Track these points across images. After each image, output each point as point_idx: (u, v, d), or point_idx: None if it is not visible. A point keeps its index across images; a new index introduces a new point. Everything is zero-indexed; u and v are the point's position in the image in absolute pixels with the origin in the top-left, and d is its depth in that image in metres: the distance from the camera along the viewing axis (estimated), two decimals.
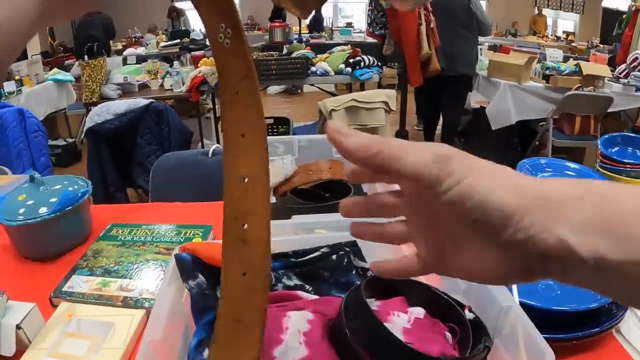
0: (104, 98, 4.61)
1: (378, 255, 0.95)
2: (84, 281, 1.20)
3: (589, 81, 5.09)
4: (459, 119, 5.88)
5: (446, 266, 0.51)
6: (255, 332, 0.58)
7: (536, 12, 17.07)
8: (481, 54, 5.88)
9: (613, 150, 1.82)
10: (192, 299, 0.80)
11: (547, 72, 5.33)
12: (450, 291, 0.90)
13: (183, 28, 11.59)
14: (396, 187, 0.53)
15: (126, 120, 3.60)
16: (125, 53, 8.47)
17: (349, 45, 5.60)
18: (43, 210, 1.31)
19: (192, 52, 7.21)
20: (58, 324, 1.03)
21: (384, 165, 0.47)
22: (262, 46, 8.64)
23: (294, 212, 1.08)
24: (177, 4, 13.52)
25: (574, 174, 1.71)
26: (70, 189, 1.39)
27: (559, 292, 1.17)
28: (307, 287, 0.88)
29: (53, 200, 1.34)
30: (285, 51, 5.48)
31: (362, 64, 5.01)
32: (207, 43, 9.21)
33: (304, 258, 0.89)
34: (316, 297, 0.85)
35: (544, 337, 0.92)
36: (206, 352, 0.75)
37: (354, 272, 0.90)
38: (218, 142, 4.99)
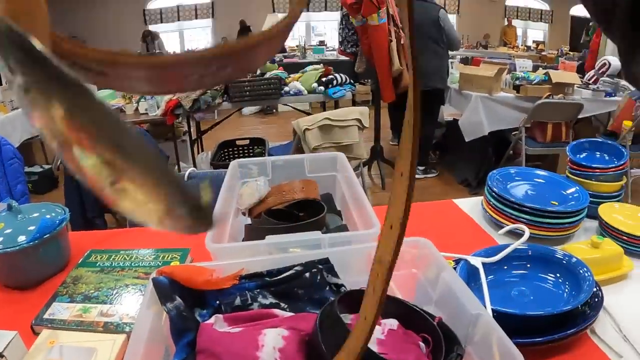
0: None
1: (351, 271, 0.99)
2: (65, 308, 1.22)
3: (559, 89, 5.18)
4: (433, 132, 5.94)
5: None
6: None
7: (506, 23, 17.26)
8: (452, 67, 5.96)
9: (581, 156, 1.86)
10: (170, 321, 0.83)
11: (517, 82, 5.41)
12: (423, 303, 0.94)
13: (157, 51, 11.60)
14: None
15: None
16: None
17: (322, 64, 5.64)
18: (22, 238, 1.32)
19: None
20: (40, 352, 1.04)
21: None
22: None
23: (268, 233, 1.10)
24: (151, 27, 13.56)
25: (543, 180, 1.77)
26: (48, 216, 1.41)
27: (532, 297, 1.21)
28: (283, 305, 0.90)
29: (31, 228, 1.35)
30: (258, 72, 5.51)
31: (335, 82, 5.05)
32: None
33: (278, 277, 0.91)
34: (291, 314, 0.88)
35: (521, 342, 0.96)
36: None
37: (327, 288, 0.93)
38: (194, 165, 5.00)
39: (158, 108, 4.81)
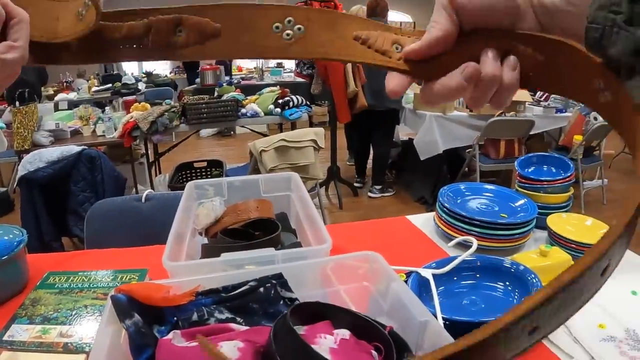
0: (36, 145, 4.55)
1: (305, 285, 1.02)
2: (24, 329, 1.22)
3: (511, 107, 5.31)
4: (389, 152, 6.02)
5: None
6: None
7: None
8: None
9: (530, 170, 1.93)
10: (130, 337, 0.84)
11: None
12: (376, 314, 0.97)
13: (115, 72, 11.51)
14: None
15: (59, 168, 3.57)
16: (56, 98, 8.27)
17: (278, 86, 5.68)
18: None
19: (124, 97, 7.17)
20: None
21: None
22: (194, 89, 8.66)
23: (224, 251, 1.13)
24: None
25: (491, 194, 1.82)
26: (6, 238, 1.41)
27: (483, 305, 1.25)
28: (239, 319, 0.93)
29: None
30: (215, 94, 5.53)
31: (291, 103, 5.08)
32: (139, 87, 9.21)
33: (234, 292, 0.94)
34: (247, 327, 0.90)
35: None
36: None
37: (281, 302, 0.96)
38: (152, 187, 4.99)
39: (115, 130, 4.79)
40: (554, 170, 1.94)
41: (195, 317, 0.91)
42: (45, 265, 1.57)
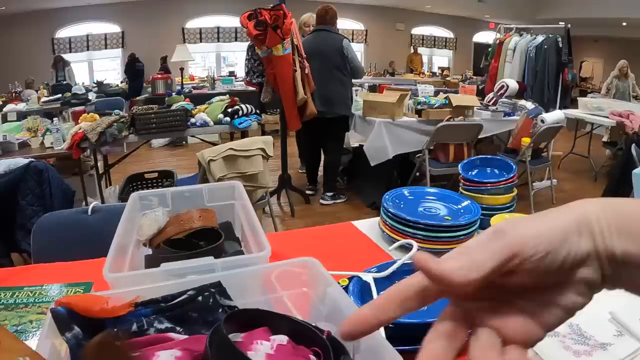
0: None
1: (246, 293, 1.03)
2: None
3: (459, 111, 5.39)
4: (340, 159, 6.06)
5: None
6: None
7: (412, 51, 17.71)
8: (356, 95, 6.10)
9: (473, 172, 1.97)
10: (70, 350, 0.85)
11: (419, 106, 5.60)
12: (316, 319, 0.99)
13: (65, 82, 11.36)
14: None
15: (6, 181, 3.49)
16: (5, 109, 8.10)
17: (228, 95, 5.68)
18: None
19: (73, 107, 7.08)
20: None
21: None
22: (145, 99, 8.60)
23: (166, 261, 1.14)
24: (66, 56, 13.27)
25: (435, 197, 1.86)
26: None
27: (425, 308, 1.27)
28: (178, 328, 0.94)
29: None
30: (165, 104, 5.51)
31: (241, 112, 5.09)
32: (89, 97, 9.09)
33: (173, 302, 0.95)
34: (186, 337, 0.91)
35: (419, 348, 1.03)
36: None
37: (220, 310, 0.97)
38: (102, 199, 4.94)
39: (64, 141, 4.72)
40: (497, 172, 1.98)
41: (134, 327, 0.91)
42: None
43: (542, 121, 5.36)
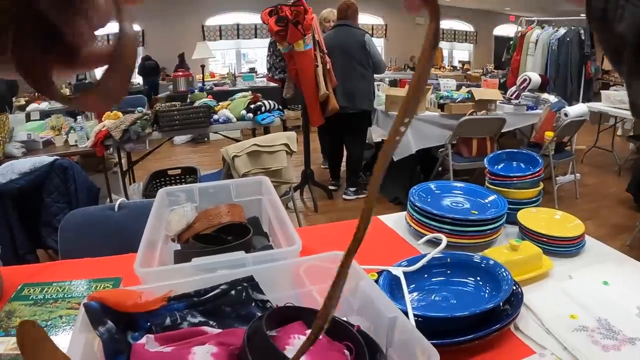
0: (8, 157, 4.48)
1: (276, 287, 1.03)
2: (0, 342, 1.23)
3: (482, 105, 5.35)
4: (362, 154, 6.04)
5: None
6: None
7: None
8: (378, 90, 6.08)
9: (499, 167, 1.95)
10: (103, 344, 0.85)
11: (442, 101, 5.56)
12: (347, 313, 0.99)
13: (87, 81, 11.43)
14: None
15: (32, 179, 3.51)
16: (28, 109, 8.15)
17: (250, 91, 5.68)
18: None
19: None
20: None
21: None
22: (166, 96, 8.63)
23: (196, 256, 1.14)
24: None
25: (461, 192, 1.85)
26: None
27: (455, 301, 1.27)
28: (211, 322, 0.94)
29: None
30: (187, 100, 5.52)
31: (263, 108, 5.08)
32: None
33: (205, 296, 0.95)
34: (220, 330, 0.92)
35: (448, 342, 1.02)
36: None
37: (253, 304, 0.97)
38: (126, 196, 4.96)
39: (88, 139, 4.74)
40: (523, 166, 1.97)
41: (168, 321, 0.92)
42: (19, 277, 1.56)
43: (565, 115, 5.31)
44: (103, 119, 4.89)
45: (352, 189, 6.02)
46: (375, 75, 5.92)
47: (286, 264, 1.09)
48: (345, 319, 0.95)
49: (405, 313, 1.08)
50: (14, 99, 9.19)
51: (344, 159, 6.21)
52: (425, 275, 1.35)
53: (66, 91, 9.89)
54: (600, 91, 7.34)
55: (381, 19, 17.38)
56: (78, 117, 5.31)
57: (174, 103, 5.28)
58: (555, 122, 5.36)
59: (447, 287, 1.33)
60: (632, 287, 1.38)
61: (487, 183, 1.89)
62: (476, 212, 1.71)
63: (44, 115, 6.51)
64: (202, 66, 11.04)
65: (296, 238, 1.19)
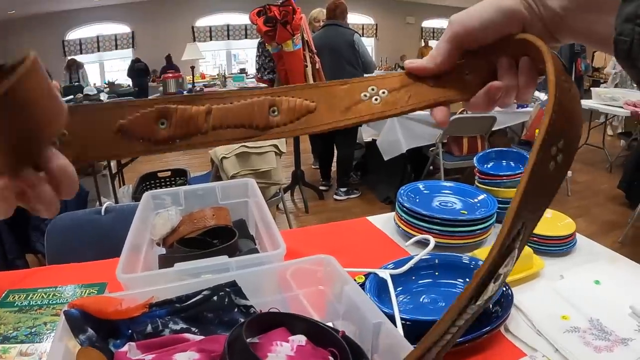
0: None
1: (261, 292, 1.02)
2: None
3: None
4: (352, 154, 6.04)
5: None
6: None
7: (423, 44, 17.65)
8: None
9: (489, 165, 1.94)
10: None
11: None
12: (333, 318, 0.98)
13: (76, 83, 11.43)
14: None
15: None
16: None
17: None
18: None
19: None
20: None
21: None
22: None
23: (180, 261, 1.13)
24: (77, 58, 13.36)
25: (450, 192, 1.84)
26: None
27: (443, 303, 1.26)
28: (194, 329, 0.93)
29: None
30: None
31: None
32: (101, 98, 9.12)
33: (188, 302, 0.94)
34: (202, 337, 0.90)
35: None
36: None
37: (236, 310, 0.96)
38: (116, 199, 4.94)
39: None
40: (513, 164, 1.96)
41: (149, 328, 0.90)
42: (4, 284, 1.54)
43: None
44: None
45: (343, 189, 6.01)
46: (365, 75, 5.92)
47: (272, 267, 1.07)
48: (330, 324, 0.94)
49: (393, 316, 1.07)
50: None
51: (335, 159, 6.20)
52: (413, 277, 1.34)
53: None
54: (591, 88, 7.36)
55: (371, 18, 17.42)
56: None
57: None
58: None
59: (435, 289, 1.32)
60: (624, 286, 1.37)
61: (477, 182, 1.88)
62: (466, 212, 1.70)
63: None
64: (192, 67, 11.02)
65: (280, 241, 1.18)
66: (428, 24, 18.54)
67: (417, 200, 1.78)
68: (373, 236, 1.79)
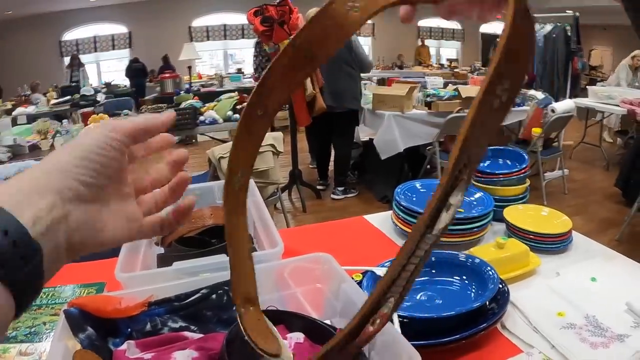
0: None
1: (260, 290, 1.02)
2: None
3: (469, 103, 5.31)
4: (350, 153, 6.05)
5: None
6: None
7: (420, 43, 17.63)
8: (365, 89, 6.08)
9: (485, 164, 1.94)
10: None
11: (429, 99, 5.58)
12: (331, 315, 0.99)
13: (74, 84, 11.40)
14: None
15: None
16: (15, 113, 8.09)
17: (237, 92, 5.67)
18: None
19: (82, 109, 7.07)
20: None
21: None
22: (154, 98, 8.60)
23: (178, 260, 1.13)
24: (67, 60, 13.34)
25: None
26: None
27: (440, 301, 1.26)
28: (192, 327, 0.93)
29: None
30: (173, 102, 5.50)
31: None
32: (98, 98, 9.11)
33: (186, 301, 0.94)
34: (201, 335, 0.91)
35: (434, 343, 1.01)
36: None
37: (234, 308, 0.96)
38: None
39: None
40: (509, 163, 1.96)
41: (148, 327, 0.91)
42: None
43: (553, 111, 5.32)
44: (89, 122, 4.86)
45: (341, 189, 6.02)
46: (362, 74, 5.92)
47: (270, 266, 1.08)
48: (328, 322, 0.95)
49: None
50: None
51: (332, 158, 6.22)
52: None
53: (53, 94, 9.82)
54: (587, 87, 7.37)
55: None
56: (64, 121, 5.28)
57: (160, 105, 5.26)
58: (543, 118, 5.38)
59: (432, 287, 1.32)
60: (620, 283, 1.37)
61: (473, 180, 1.89)
62: (462, 210, 1.70)
63: (31, 119, 6.46)
64: (189, 67, 11.00)
65: (278, 240, 1.18)
66: (425, 22, 18.51)
67: (414, 199, 1.78)
68: (370, 235, 1.79)
